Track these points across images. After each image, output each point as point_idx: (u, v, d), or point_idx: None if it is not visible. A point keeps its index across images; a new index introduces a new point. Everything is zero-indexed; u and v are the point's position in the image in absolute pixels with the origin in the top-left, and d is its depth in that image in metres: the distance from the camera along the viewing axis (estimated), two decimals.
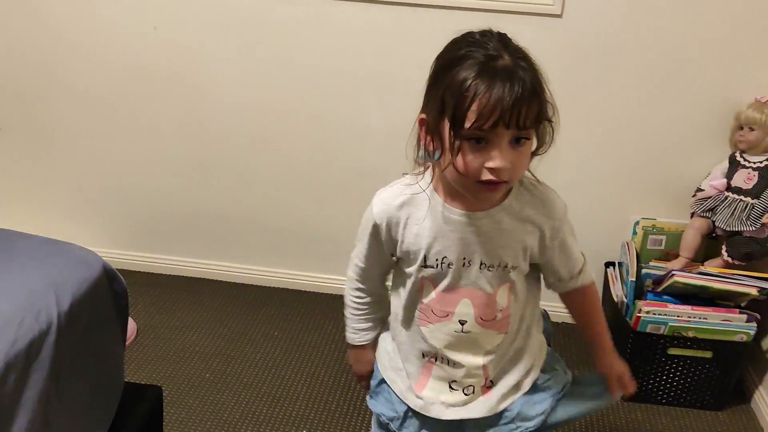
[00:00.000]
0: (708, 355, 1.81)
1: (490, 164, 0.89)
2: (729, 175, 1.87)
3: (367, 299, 1.18)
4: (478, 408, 1.12)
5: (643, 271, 1.94)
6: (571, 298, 1.19)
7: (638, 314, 1.80)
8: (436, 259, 1.03)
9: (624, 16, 1.86)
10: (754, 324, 1.78)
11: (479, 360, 1.10)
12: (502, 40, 0.91)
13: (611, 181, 2.06)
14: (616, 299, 1.98)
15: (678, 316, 1.79)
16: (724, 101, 1.89)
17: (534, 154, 0.97)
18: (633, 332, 1.82)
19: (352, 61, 2.01)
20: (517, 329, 1.12)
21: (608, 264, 2.12)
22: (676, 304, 1.82)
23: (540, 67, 0.92)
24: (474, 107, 0.86)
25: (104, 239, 2.39)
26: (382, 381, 1.19)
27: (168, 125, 2.20)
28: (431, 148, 0.95)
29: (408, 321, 1.12)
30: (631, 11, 1.85)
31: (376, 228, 1.06)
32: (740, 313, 1.78)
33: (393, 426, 1.17)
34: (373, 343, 1.22)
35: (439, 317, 1.07)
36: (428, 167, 1.01)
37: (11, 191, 2.38)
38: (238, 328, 2.13)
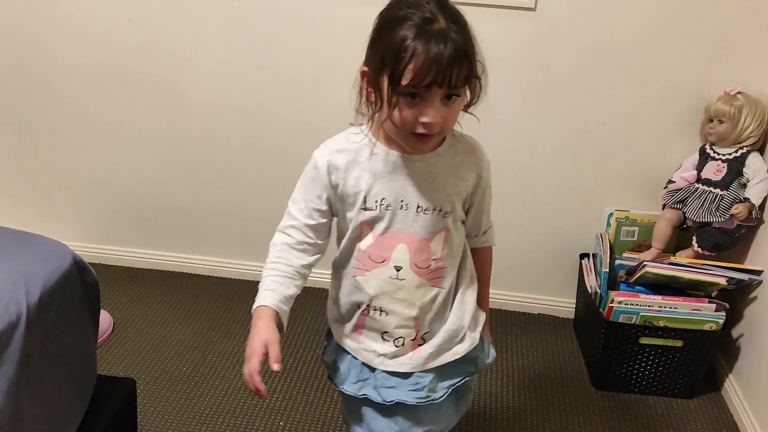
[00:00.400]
0: (679, 344, 1.84)
1: (424, 119, 0.97)
2: (699, 167, 1.90)
3: (294, 249, 1.12)
4: (407, 363, 1.15)
5: (617, 262, 1.97)
6: (475, 256, 1.24)
7: (611, 304, 1.83)
8: (375, 201, 1.07)
9: (595, 9, 1.88)
10: (723, 313, 1.81)
11: (412, 311, 1.13)
12: (439, 2, 0.97)
13: (585, 173, 2.08)
14: (590, 290, 2.00)
15: (649, 306, 1.82)
16: (694, 94, 1.92)
17: (465, 108, 1.04)
18: (606, 322, 1.85)
19: (331, 55, 2.01)
20: (451, 289, 1.15)
21: (583, 255, 2.14)
22: (647, 294, 1.85)
23: (471, 28, 0.98)
24: (411, 67, 0.93)
25: (80, 233, 2.37)
26: (335, 361, 1.20)
27: (143, 118, 2.18)
28: (371, 99, 1.01)
29: (345, 272, 1.14)
30: (603, 4, 1.87)
31: (317, 171, 1.09)
32: (710, 302, 1.82)
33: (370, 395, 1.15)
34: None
35: (376, 263, 1.10)
36: (370, 117, 1.07)
37: None
38: (215, 321, 2.13)
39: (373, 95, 1.00)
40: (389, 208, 1.08)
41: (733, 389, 1.89)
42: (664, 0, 1.85)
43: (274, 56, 2.05)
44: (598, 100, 1.98)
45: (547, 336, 2.18)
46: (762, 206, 1.83)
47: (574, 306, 2.24)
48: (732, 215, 1.81)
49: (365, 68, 1.01)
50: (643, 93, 1.95)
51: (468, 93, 1.01)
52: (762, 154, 1.86)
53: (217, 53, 2.07)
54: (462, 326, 1.17)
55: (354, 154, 1.08)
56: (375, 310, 1.13)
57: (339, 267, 1.16)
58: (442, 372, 1.17)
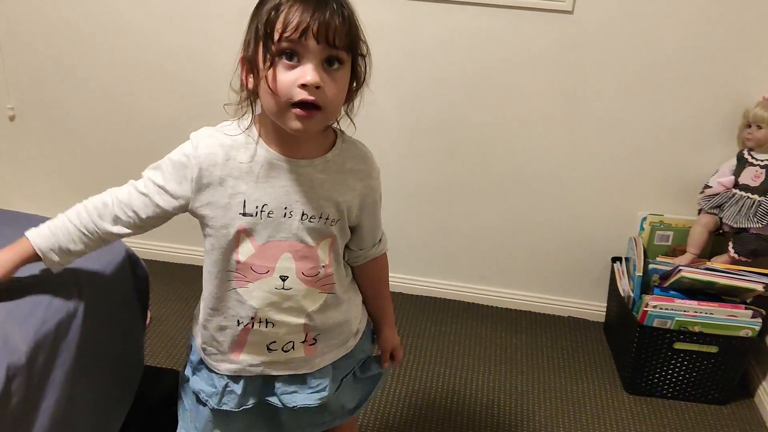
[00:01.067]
0: (713, 350, 1.84)
1: (302, 80, 0.89)
2: (737, 173, 1.90)
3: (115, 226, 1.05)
4: (300, 365, 1.11)
5: (650, 266, 1.97)
6: (368, 267, 1.17)
7: (645, 309, 1.83)
8: (256, 206, 0.99)
9: (634, 12, 1.88)
10: (760, 320, 1.80)
11: (301, 320, 1.07)
12: None
13: (619, 176, 2.08)
14: (622, 294, 2.00)
15: (684, 311, 1.82)
16: (732, 99, 1.91)
17: (350, 92, 0.98)
18: (639, 326, 1.85)
19: None
20: (341, 294, 1.11)
21: (615, 259, 2.14)
22: (682, 299, 1.84)
23: (355, 8, 0.94)
24: (281, 17, 0.88)
25: None
26: (201, 360, 1.14)
27: (184, 113, 2.22)
28: (251, 86, 0.94)
29: (222, 286, 1.05)
30: (641, 8, 1.88)
31: (189, 161, 0.99)
32: (746, 308, 1.81)
33: (211, 402, 1.12)
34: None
35: (259, 274, 1.02)
36: (245, 103, 0.99)
37: (27, 178, 2.41)
38: None
39: (253, 80, 0.93)
40: (271, 215, 1.00)
41: (766, 396, 1.88)
42: (704, 5, 1.85)
43: None
44: (634, 104, 1.98)
45: (577, 339, 2.18)
46: None
47: (605, 309, 2.24)
48: None
49: (242, 54, 0.95)
50: (681, 97, 1.95)
51: (355, 75, 0.96)
52: None
53: None
54: (349, 319, 1.14)
55: (236, 151, 0.99)
56: (260, 322, 1.06)
57: (213, 281, 1.06)
58: (335, 365, 1.15)
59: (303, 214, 1.01)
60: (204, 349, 1.12)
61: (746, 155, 1.89)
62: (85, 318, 1.11)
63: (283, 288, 1.03)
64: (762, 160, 1.86)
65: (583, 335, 2.20)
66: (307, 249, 1.03)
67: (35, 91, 2.26)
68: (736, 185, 1.89)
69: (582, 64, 1.96)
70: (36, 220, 1.10)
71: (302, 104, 0.90)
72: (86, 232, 1.04)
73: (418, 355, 2.03)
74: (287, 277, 1.03)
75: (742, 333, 1.81)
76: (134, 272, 1.30)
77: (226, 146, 0.99)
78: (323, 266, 1.05)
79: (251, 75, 0.94)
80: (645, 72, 1.94)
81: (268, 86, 0.90)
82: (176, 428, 1.20)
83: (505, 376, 1.97)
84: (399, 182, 2.15)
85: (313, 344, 1.10)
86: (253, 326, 1.06)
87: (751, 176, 1.87)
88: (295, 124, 0.92)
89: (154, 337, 2.03)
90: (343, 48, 0.91)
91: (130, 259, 1.29)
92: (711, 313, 1.81)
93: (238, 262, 1.02)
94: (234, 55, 0.98)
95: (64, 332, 1.07)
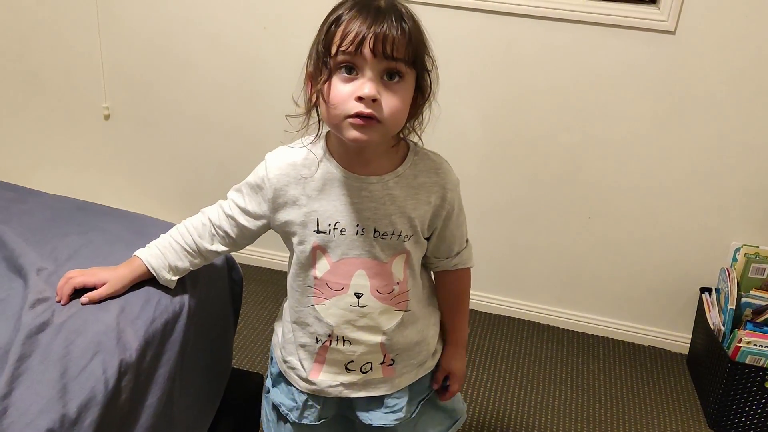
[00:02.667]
0: None
1: (358, 93, 0.88)
2: None
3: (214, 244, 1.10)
4: (378, 386, 1.10)
5: (743, 299, 1.88)
6: (444, 278, 1.15)
7: (738, 344, 1.75)
8: (329, 224, 1.00)
9: (740, 35, 1.81)
10: None
11: (377, 338, 1.06)
12: None
13: (712, 203, 2.00)
14: (712, 326, 1.92)
15: None
16: None
17: (415, 107, 0.96)
18: (730, 362, 1.76)
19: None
20: (417, 311, 1.09)
21: (703, 289, 2.06)
22: None
23: (421, 22, 0.93)
24: (340, 30, 0.88)
25: None
26: (281, 373, 1.15)
27: (273, 126, 2.24)
28: (314, 97, 0.94)
29: (302, 301, 1.07)
30: (748, 30, 1.80)
31: (263, 182, 1.02)
32: None
33: (292, 416, 1.13)
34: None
35: (335, 291, 1.03)
36: (306, 118, 0.99)
37: (115, 176, 2.49)
38: None
39: (314, 91, 0.93)
40: (344, 232, 1.00)
41: None
42: None
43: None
44: (733, 128, 1.90)
45: (658, 370, 2.10)
46: None
47: (690, 341, 2.15)
48: None
49: (309, 69, 0.95)
50: None
51: (420, 88, 0.95)
52: None
53: None
54: (426, 338, 1.12)
55: (307, 170, 1.00)
56: (337, 340, 1.06)
57: (294, 295, 1.08)
58: (412, 388, 1.13)
59: (375, 231, 1.00)
60: (285, 362, 1.13)
61: None
62: (188, 318, 1.14)
63: (358, 305, 1.03)
64: None
65: (664, 366, 2.12)
66: (381, 266, 1.02)
67: (130, 93, 2.34)
68: None
69: (680, 86, 1.90)
70: (138, 221, 1.14)
71: (359, 116, 0.90)
72: (190, 250, 1.10)
73: (492, 374, 2.00)
74: (362, 294, 1.03)
75: None
76: (231, 276, 1.32)
77: (298, 165, 1.01)
78: (398, 283, 1.04)
79: (313, 85, 0.95)
80: (749, 96, 1.86)
81: (324, 98, 0.91)
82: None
83: (582, 404, 1.91)
84: (480, 197, 2.13)
85: (391, 365, 1.09)
86: (330, 344, 1.06)
87: None
88: (353, 134, 0.91)
89: (236, 339, 2.05)
90: (403, 61, 0.90)
91: (228, 263, 1.31)
92: None
93: (315, 278, 1.04)
94: None
95: (170, 331, 1.10)
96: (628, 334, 2.22)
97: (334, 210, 1.00)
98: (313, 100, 0.95)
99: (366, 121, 0.89)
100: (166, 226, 1.17)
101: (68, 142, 2.47)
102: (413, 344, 1.11)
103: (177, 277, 1.11)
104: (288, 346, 1.12)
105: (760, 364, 1.75)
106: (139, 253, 1.10)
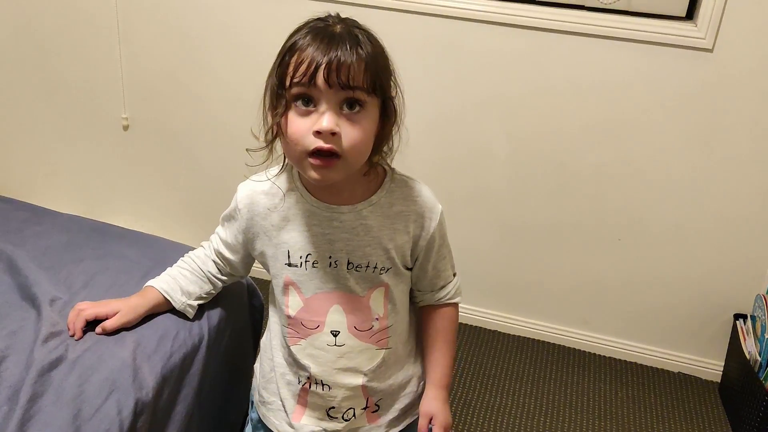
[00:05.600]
0: None
1: (315, 127, 0.83)
2: None
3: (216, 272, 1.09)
4: None
5: None
6: (428, 313, 1.06)
7: None
8: (300, 256, 0.94)
9: None
10: None
11: (358, 380, 0.98)
12: (344, 18, 0.87)
13: (748, 228, 1.92)
14: (748, 356, 1.84)
15: None
16: None
17: (380, 136, 0.90)
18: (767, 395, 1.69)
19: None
20: (400, 349, 1.01)
21: (737, 316, 1.98)
22: None
23: (383, 46, 0.87)
24: (293, 60, 0.83)
25: None
26: (260, 419, 1.09)
27: None
28: (275, 134, 0.89)
29: (277, 342, 1.02)
30: None
31: (236, 213, 1.00)
32: None
33: None
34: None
35: (310, 329, 0.96)
36: (285, 163, 0.96)
37: (134, 186, 2.46)
38: None
39: (272, 124, 0.88)
40: (316, 265, 0.94)
41: None
42: None
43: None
44: None
45: (689, 398, 2.02)
46: None
47: (722, 369, 2.07)
48: None
49: (265, 101, 0.91)
50: None
51: (386, 114, 0.89)
52: None
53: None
54: (411, 380, 1.05)
55: (277, 199, 0.96)
56: (316, 383, 0.99)
57: (275, 328, 1.03)
58: None
59: (349, 263, 0.94)
60: (265, 404, 1.06)
61: None
62: (208, 350, 1.10)
63: (335, 344, 0.96)
64: None
65: (695, 394, 2.04)
66: (357, 300, 0.96)
67: (149, 104, 2.31)
68: None
69: (717, 107, 1.82)
70: (155, 245, 1.10)
71: (319, 153, 0.84)
72: (201, 277, 1.08)
73: (516, 399, 1.93)
74: (338, 332, 0.96)
75: None
76: (251, 302, 1.28)
77: (269, 194, 0.97)
78: (377, 318, 0.97)
79: (269, 113, 0.90)
80: None
81: (282, 133, 0.86)
82: None
83: None
84: (506, 217, 2.07)
85: (375, 411, 1.02)
86: (310, 387, 1.00)
87: None
88: (313, 175, 0.86)
89: None
90: (361, 89, 0.84)
91: (248, 289, 1.27)
92: None
93: (288, 317, 0.98)
94: None
95: (189, 365, 1.06)
96: (658, 360, 2.14)
97: (305, 241, 0.94)
98: (273, 132, 0.90)
99: (325, 161, 0.84)
100: (184, 249, 1.14)
101: (87, 152, 2.44)
102: (397, 387, 1.04)
103: (193, 302, 1.08)
104: (269, 385, 1.05)
105: None
106: (151, 282, 1.09)
